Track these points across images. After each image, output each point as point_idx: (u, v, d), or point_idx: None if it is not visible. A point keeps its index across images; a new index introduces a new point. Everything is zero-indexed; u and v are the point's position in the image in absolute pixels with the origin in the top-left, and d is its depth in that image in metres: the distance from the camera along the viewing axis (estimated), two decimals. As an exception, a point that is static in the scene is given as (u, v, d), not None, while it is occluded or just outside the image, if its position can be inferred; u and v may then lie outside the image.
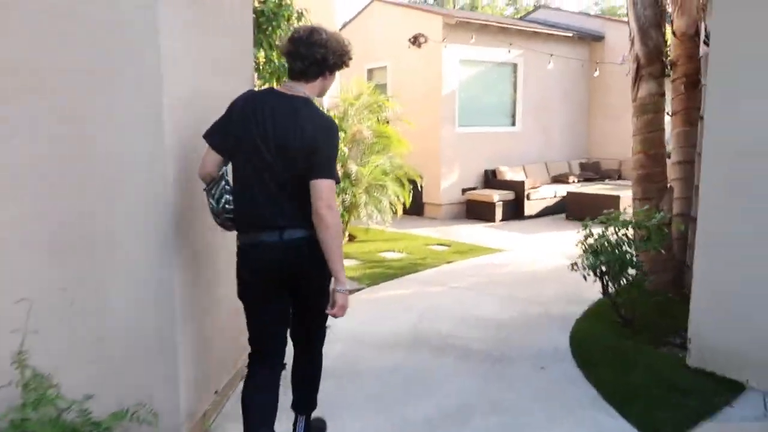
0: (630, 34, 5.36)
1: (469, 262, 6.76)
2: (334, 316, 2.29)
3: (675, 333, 4.06)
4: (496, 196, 9.48)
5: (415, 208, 9.87)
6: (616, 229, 4.36)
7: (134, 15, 2.12)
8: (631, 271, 4.21)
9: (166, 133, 2.25)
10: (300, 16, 4.21)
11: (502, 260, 6.86)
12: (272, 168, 2.19)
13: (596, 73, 11.15)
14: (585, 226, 4.54)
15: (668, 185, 5.24)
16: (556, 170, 10.95)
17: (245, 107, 2.23)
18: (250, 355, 2.44)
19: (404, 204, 8.24)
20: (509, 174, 10.17)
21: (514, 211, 9.65)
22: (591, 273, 4.22)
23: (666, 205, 5.11)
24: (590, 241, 4.41)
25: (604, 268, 4.20)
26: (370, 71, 11.28)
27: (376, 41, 10.96)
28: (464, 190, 10.08)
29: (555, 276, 6.04)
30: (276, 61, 3.81)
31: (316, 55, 2.24)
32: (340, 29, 11.92)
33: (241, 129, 2.21)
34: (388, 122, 8.66)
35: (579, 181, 10.65)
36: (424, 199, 10.20)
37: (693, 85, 5.23)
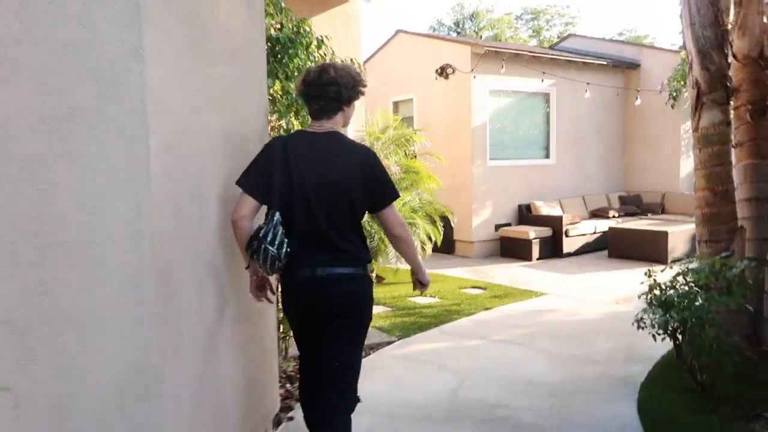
0: (688, 57, 4.83)
1: (509, 308, 6.16)
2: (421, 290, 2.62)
3: (766, 402, 3.42)
4: (532, 233, 8.89)
5: (446, 246, 9.32)
6: (687, 277, 3.77)
7: (111, 35, 1.68)
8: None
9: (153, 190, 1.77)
10: (320, 43, 3.78)
11: (545, 306, 6.25)
12: (313, 209, 2.25)
13: (638, 102, 10.60)
14: (648, 274, 3.96)
15: (740, 225, 4.63)
16: (594, 204, 10.33)
17: (280, 151, 2.27)
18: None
19: (435, 242, 7.71)
20: (545, 209, 9.59)
21: (552, 248, 9.04)
22: (661, 331, 3.61)
23: (737, 248, 4.49)
24: (656, 291, 3.81)
25: (676, 325, 3.60)
26: (396, 104, 10.91)
27: (402, 73, 10.61)
28: (497, 227, 9.52)
29: (606, 325, 5.42)
30: (293, 93, 3.37)
31: (330, 93, 2.31)
32: (365, 62, 11.62)
33: (278, 173, 2.24)
34: (415, 156, 8.21)
35: (620, 216, 10.00)
36: (455, 237, 9.66)
37: (760, 112, 4.65)
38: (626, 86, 11.24)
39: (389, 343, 4.96)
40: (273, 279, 2.60)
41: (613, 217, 9.91)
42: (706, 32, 4.64)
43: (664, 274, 4.00)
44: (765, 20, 4.69)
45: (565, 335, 5.15)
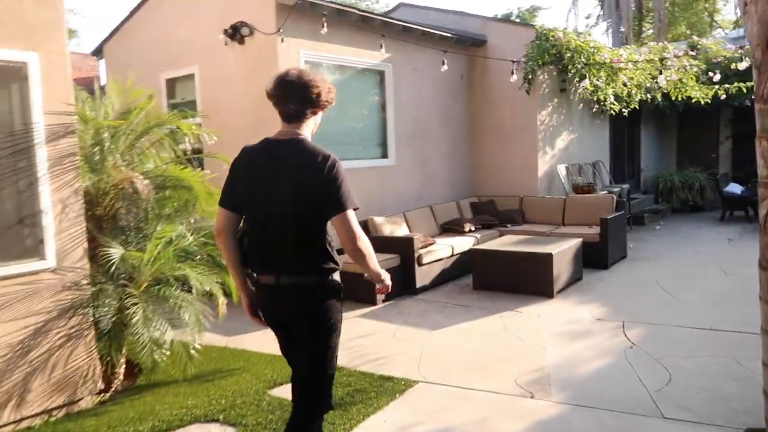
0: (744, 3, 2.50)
1: (360, 432, 3.40)
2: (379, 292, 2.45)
3: None
4: (375, 264, 6.26)
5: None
6: None
7: None
8: None
9: None
10: None
11: (419, 417, 3.59)
12: (269, 218, 2.29)
13: (513, 77, 8.57)
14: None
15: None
16: (445, 215, 8.07)
17: (245, 160, 2.42)
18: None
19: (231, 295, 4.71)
20: (387, 227, 7.04)
21: (402, 282, 6.49)
22: None
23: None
24: None
25: None
26: (171, 83, 7.57)
27: (178, 38, 7.32)
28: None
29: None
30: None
31: (296, 97, 2.40)
32: (120, 25, 8.08)
33: (242, 183, 2.36)
34: (190, 162, 5.11)
35: (476, 229, 7.86)
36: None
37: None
38: (472, 67, 9.20)
39: None
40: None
41: (470, 231, 7.72)
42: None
43: None
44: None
45: None
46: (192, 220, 4.80)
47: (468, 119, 9.26)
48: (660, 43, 10.37)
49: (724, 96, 9.49)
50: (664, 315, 5.34)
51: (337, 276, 2.34)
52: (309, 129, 2.41)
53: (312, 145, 2.34)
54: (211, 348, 5.01)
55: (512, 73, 8.30)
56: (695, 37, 12.72)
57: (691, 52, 10.20)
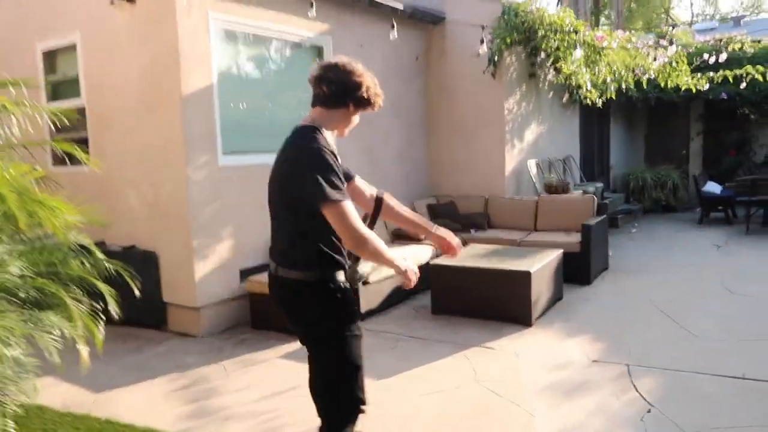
0: None
1: None
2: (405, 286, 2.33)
3: None
4: (307, 287, 4.86)
5: (151, 316, 4.95)
6: None
7: None
8: None
9: None
10: None
11: None
12: (272, 206, 2.31)
13: (482, 49, 7.25)
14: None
15: None
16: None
17: None
18: None
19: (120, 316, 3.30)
20: (325, 237, 5.64)
21: (342, 309, 5.12)
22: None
23: None
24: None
25: None
26: (51, 56, 5.95)
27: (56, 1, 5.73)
28: (245, 274, 5.30)
29: None
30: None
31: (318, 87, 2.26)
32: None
33: None
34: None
35: (435, 237, 6.54)
36: (167, 298, 5.20)
37: None
38: (429, 48, 7.89)
39: None
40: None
41: (426, 239, 6.40)
42: None
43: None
44: None
45: None
46: (36, 236, 3.37)
47: (425, 108, 7.94)
48: (627, 32, 9.29)
49: (707, 87, 8.50)
50: (676, 354, 4.15)
51: (338, 275, 2.21)
52: (332, 122, 2.27)
53: (311, 135, 2.17)
54: (65, 416, 3.52)
55: (481, 42, 7.00)
56: (663, 27, 11.82)
57: (662, 42, 9.18)
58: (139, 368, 4.34)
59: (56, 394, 3.88)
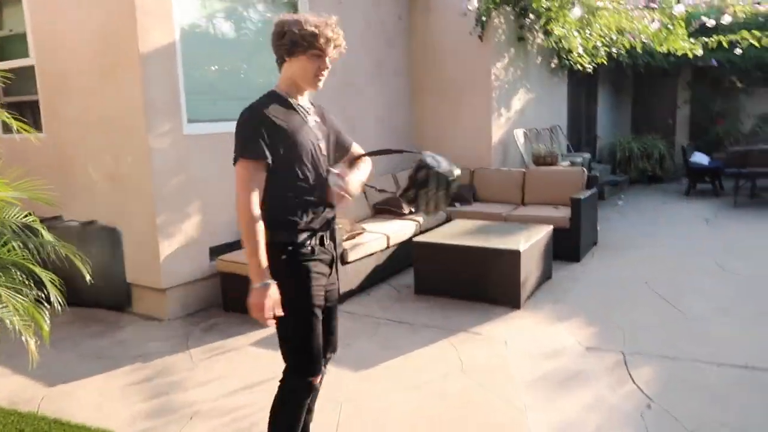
0: None
1: None
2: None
3: None
4: (281, 267, 4.52)
5: (115, 297, 4.59)
6: None
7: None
8: None
9: None
10: None
11: None
12: None
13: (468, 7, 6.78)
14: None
15: None
16: (379, 193, 6.36)
17: None
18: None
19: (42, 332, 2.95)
20: (302, 211, 5.28)
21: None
22: None
23: None
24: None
25: None
26: (-5, 9, 5.39)
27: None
28: (214, 253, 4.93)
29: None
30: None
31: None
32: None
33: None
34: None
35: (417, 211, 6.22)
36: (131, 279, 4.82)
37: None
38: (412, 6, 7.41)
39: None
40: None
41: (410, 213, 6.08)
42: None
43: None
44: None
45: None
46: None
47: (408, 72, 7.51)
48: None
49: (701, 52, 8.17)
50: (673, 340, 3.92)
51: (281, 236, 2.14)
52: (288, 81, 2.20)
53: (258, 100, 2.17)
54: (10, 415, 3.17)
55: (465, 14, 6.58)
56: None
57: (652, 4, 8.79)
58: (97, 356, 3.99)
59: (3, 387, 3.53)
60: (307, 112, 2.24)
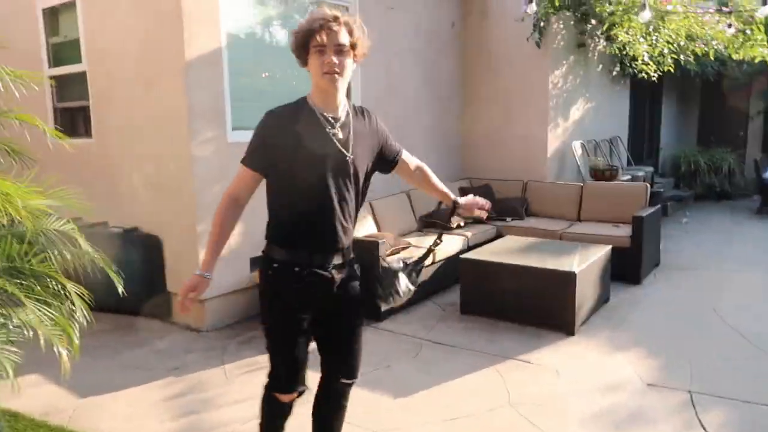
0: None
1: None
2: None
3: None
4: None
5: (157, 306, 4.57)
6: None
7: None
8: None
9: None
10: None
11: None
12: None
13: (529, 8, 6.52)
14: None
15: None
16: (426, 205, 6.14)
17: None
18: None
19: (72, 349, 2.85)
20: (345, 223, 5.11)
21: (361, 305, 4.62)
22: None
23: None
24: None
25: None
26: (52, 14, 5.48)
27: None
28: (255, 263, 4.82)
29: None
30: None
31: None
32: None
33: None
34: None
35: (467, 224, 5.97)
36: (172, 287, 4.76)
37: None
38: (467, 13, 7.17)
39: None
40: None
41: (458, 227, 5.83)
42: None
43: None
44: None
45: None
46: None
47: (460, 80, 7.26)
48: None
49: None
50: (748, 380, 3.51)
51: (272, 251, 2.10)
52: (313, 84, 2.06)
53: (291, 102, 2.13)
54: (40, 428, 3.10)
55: (522, 18, 6.29)
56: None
57: (725, 9, 8.20)
58: (134, 366, 3.92)
59: (38, 396, 3.49)
60: (335, 121, 2.05)
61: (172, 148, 4.48)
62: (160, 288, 4.74)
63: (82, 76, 5.12)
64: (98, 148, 5.09)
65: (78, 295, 2.97)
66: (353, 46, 2.00)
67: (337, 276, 2.13)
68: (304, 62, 2.03)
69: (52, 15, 5.39)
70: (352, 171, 2.06)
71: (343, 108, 2.09)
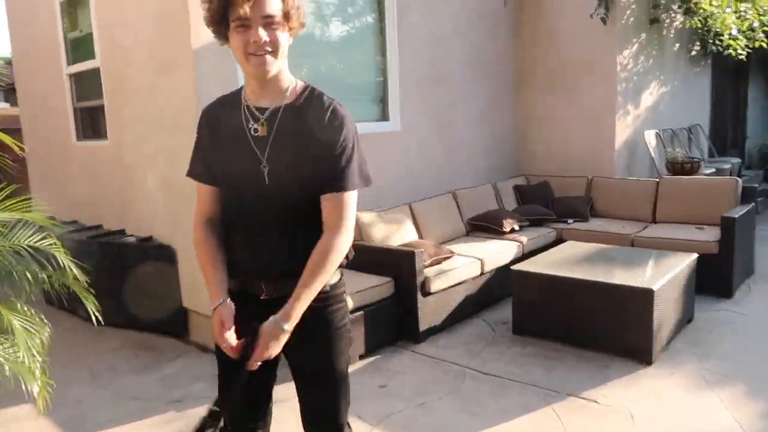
0: None
1: None
2: None
3: None
4: (347, 297, 3.77)
5: (172, 323, 4.16)
6: None
7: None
8: None
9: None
10: None
11: None
12: None
13: None
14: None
15: None
16: (475, 207, 5.46)
17: None
18: None
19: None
20: (380, 229, 4.51)
21: (397, 324, 4.02)
22: None
23: None
24: None
25: None
26: (70, 6, 5.16)
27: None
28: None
29: None
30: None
31: None
32: None
33: None
34: None
35: (522, 228, 5.25)
36: (187, 303, 4.31)
37: None
38: (519, -11, 6.42)
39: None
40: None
41: (512, 231, 5.12)
42: None
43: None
44: None
45: None
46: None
47: (512, 64, 6.52)
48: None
49: None
50: None
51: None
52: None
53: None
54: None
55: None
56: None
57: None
58: (131, 396, 3.47)
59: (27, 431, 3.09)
60: (260, 113, 1.56)
61: (183, 147, 3.99)
62: (176, 303, 4.30)
63: (97, 72, 4.76)
64: (113, 149, 4.72)
65: (43, 321, 2.55)
66: (287, 17, 1.49)
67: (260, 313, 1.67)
68: (224, 38, 1.55)
69: (69, 6, 5.06)
70: (267, 183, 1.54)
71: (282, 96, 1.56)
